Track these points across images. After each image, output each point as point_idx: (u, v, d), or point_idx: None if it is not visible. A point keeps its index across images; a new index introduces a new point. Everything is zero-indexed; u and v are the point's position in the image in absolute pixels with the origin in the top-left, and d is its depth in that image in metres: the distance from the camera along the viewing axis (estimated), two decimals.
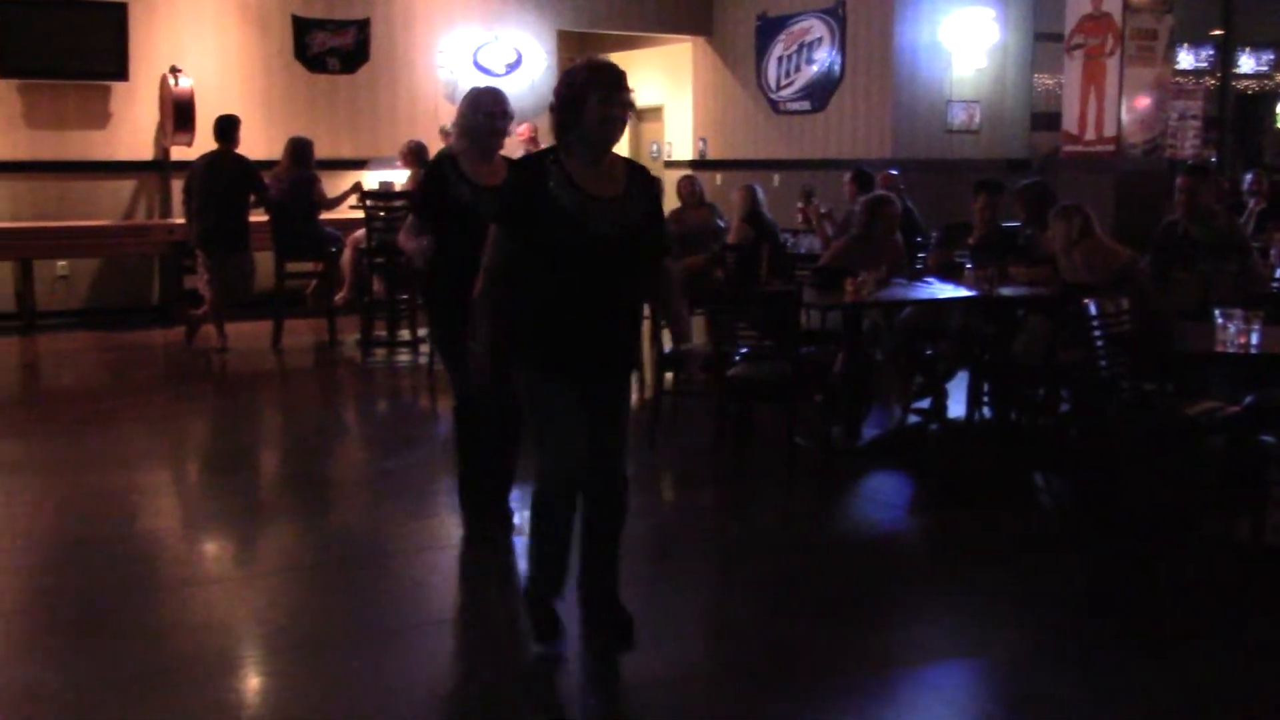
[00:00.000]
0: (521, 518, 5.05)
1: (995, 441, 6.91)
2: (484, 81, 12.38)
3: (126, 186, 11.56)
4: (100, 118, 11.35)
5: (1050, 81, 12.50)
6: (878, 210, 7.04)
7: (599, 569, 4.11)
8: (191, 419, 7.91)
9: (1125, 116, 10.92)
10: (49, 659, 4.05)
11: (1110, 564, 5.00)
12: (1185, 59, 12.35)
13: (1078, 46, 11.20)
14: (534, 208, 3.81)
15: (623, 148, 15.52)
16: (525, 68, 12.87)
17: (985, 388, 7.11)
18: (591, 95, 3.75)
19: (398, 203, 9.69)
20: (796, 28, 13.01)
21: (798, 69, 13.05)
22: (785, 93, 13.22)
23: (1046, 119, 12.37)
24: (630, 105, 3.83)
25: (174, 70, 11.20)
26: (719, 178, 13.47)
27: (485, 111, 5.01)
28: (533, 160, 3.98)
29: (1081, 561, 5.05)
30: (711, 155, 14.19)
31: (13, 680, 3.87)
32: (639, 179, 3.98)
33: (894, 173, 9.63)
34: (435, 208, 5.02)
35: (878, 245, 6.96)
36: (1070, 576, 4.89)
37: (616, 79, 3.80)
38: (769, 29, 13.33)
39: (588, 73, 3.79)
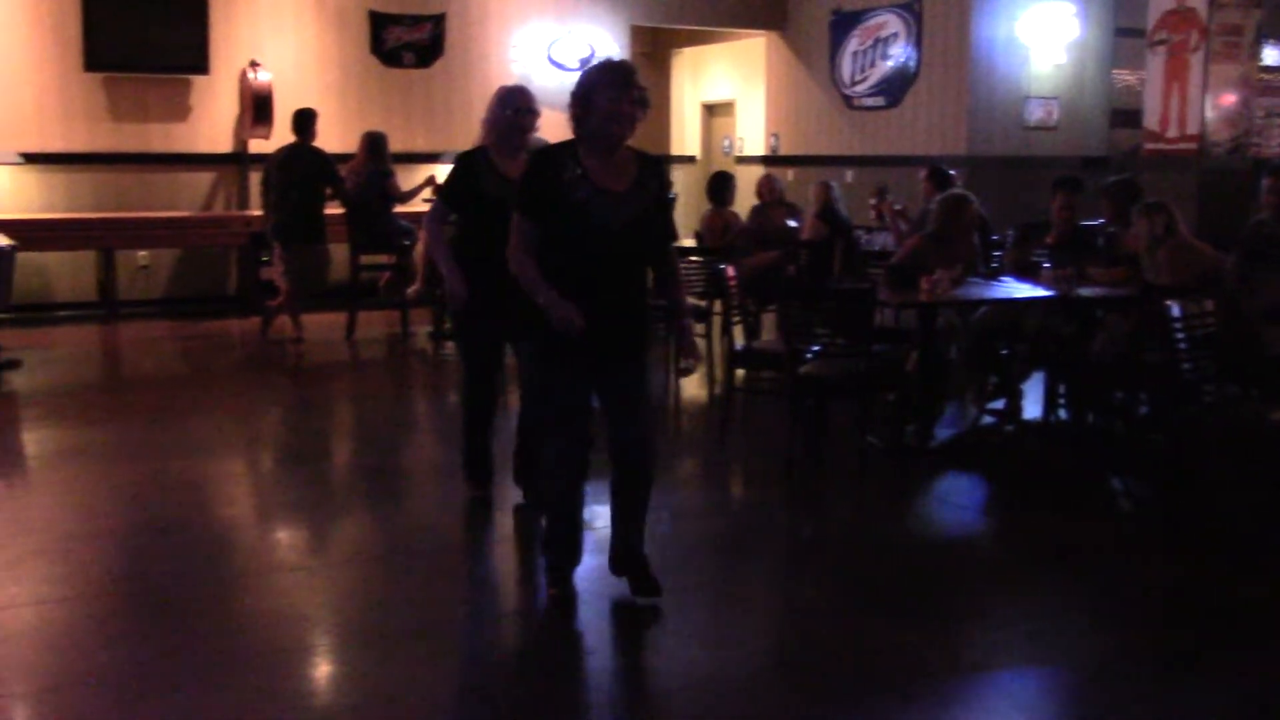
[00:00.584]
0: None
1: (1071, 444, 6.80)
2: (558, 76, 12.46)
3: (206, 178, 11.76)
4: (181, 110, 11.55)
5: (1131, 78, 12.27)
6: (957, 210, 6.95)
7: (626, 529, 4.35)
8: (266, 408, 8.03)
9: (1209, 114, 10.68)
10: (122, 643, 4.11)
11: (1190, 573, 4.89)
12: (1271, 55, 12.03)
13: (1160, 42, 10.97)
14: (548, 198, 4.01)
15: (694, 143, 15.40)
16: None
17: (1061, 389, 7.00)
18: (603, 92, 3.94)
19: None
20: (872, 23, 12.89)
21: (872, 64, 12.93)
22: (859, 88, 13.10)
23: (1126, 116, 12.14)
24: (642, 102, 4.01)
25: (253, 64, 11.39)
26: (791, 173, 13.38)
27: (513, 108, 5.22)
28: (551, 152, 4.15)
29: (1160, 569, 4.96)
30: (784, 151, 14.11)
31: (86, 664, 3.94)
32: (649, 170, 4.15)
33: (952, 173, 9.44)
34: (462, 197, 5.15)
35: (953, 244, 6.87)
36: (1148, 584, 4.80)
37: (627, 77, 4.00)
38: (843, 24, 13.22)
39: (600, 71, 4.02)
